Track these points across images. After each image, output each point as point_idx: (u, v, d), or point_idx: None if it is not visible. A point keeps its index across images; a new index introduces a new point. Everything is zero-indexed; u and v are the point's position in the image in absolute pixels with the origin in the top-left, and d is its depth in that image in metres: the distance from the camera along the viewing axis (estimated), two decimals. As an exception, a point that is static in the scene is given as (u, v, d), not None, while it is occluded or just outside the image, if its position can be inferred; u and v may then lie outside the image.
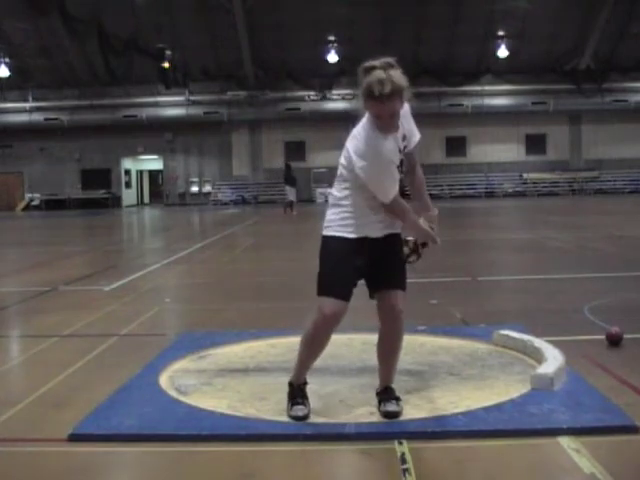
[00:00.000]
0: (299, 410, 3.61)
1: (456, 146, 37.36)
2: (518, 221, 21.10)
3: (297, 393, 3.70)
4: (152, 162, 39.91)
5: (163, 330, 6.14)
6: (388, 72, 3.45)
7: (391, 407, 3.60)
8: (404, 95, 3.48)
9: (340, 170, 3.66)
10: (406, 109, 3.61)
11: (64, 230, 22.94)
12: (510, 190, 36.74)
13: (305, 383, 3.76)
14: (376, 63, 3.50)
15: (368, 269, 3.63)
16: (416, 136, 3.69)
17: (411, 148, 3.67)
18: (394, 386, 3.73)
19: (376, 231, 3.63)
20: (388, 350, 3.72)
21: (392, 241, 3.69)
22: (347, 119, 34.34)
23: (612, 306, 6.43)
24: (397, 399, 3.66)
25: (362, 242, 3.59)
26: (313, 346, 3.69)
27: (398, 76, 3.47)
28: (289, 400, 3.69)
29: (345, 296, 3.57)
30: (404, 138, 3.61)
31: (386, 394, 3.67)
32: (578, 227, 16.52)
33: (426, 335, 5.24)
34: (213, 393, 4.06)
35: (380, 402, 3.66)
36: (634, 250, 11.17)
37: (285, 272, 9.64)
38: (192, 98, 36.52)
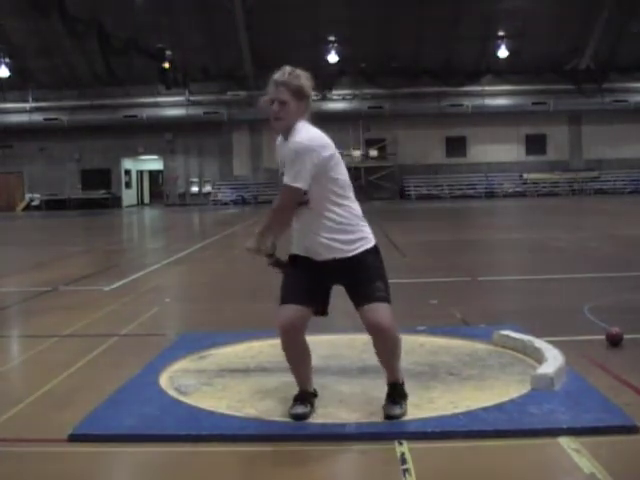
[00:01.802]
0: (299, 408, 3.61)
1: (456, 146, 37.34)
2: (518, 221, 21.10)
3: (300, 396, 3.69)
4: (152, 162, 39.88)
5: (163, 330, 6.14)
6: (295, 70, 3.58)
7: (393, 411, 3.58)
8: (300, 96, 3.54)
9: None
10: (293, 150, 3.49)
11: (64, 230, 22.93)
12: (510, 190, 36.71)
13: (311, 393, 3.73)
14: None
15: (343, 285, 3.65)
16: (285, 176, 3.53)
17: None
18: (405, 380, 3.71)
19: (314, 253, 3.64)
20: (384, 356, 3.66)
21: (352, 264, 3.58)
22: (347, 119, 34.41)
23: (612, 306, 6.43)
24: (402, 398, 3.63)
25: (306, 259, 3.67)
26: (288, 357, 3.70)
27: (301, 76, 3.57)
28: (292, 400, 3.69)
29: (296, 300, 3.57)
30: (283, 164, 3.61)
31: (391, 393, 3.64)
32: (578, 227, 16.52)
33: (426, 335, 5.24)
34: (213, 393, 4.06)
35: (385, 401, 3.64)
36: (634, 250, 11.16)
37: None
38: (192, 98, 36.52)
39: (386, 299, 3.56)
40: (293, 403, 3.66)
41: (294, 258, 3.76)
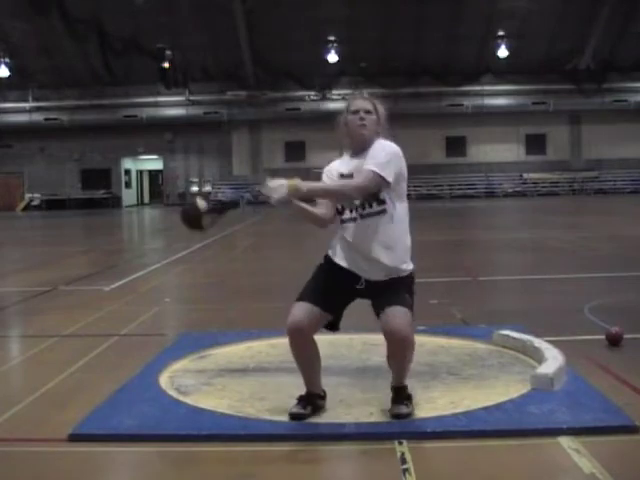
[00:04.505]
0: (295, 408, 3.60)
1: (456, 146, 37.35)
2: (518, 221, 21.10)
3: (303, 397, 3.66)
4: (152, 162, 39.89)
5: (163, 330, 6.14)
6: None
7: (401, 410, 3.56)
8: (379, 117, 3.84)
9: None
10: (385, 149, 3.69)
11: (64, 230, 22.93)
12: (510, 190, 36.72)
13: (317, 394, 3.70)
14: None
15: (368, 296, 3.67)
16: (372, 165, 3.63)
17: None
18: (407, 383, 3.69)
19: (361, 271, 3.64)
20: (397, 362, 3.61)
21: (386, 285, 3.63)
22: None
23: (612, 306, 6.43)
24: (408, 399, 3.62)
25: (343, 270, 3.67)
26: (294, 356, 3.70)
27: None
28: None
29: (311, 299, 3.58)
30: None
31: (397, 395, 3.62)
32: (578, 227, 16.52)
33: (426, 335, 5.23)
34: (213, 393, 4.06)
35: (392, 403, 3.63)
36: (634, 250, 11.16)
37: (285, 272, 9.64)
38: (192, 98, 36.51)
39: (409, 306, 3.58)
40: (296, 403, 3.65)
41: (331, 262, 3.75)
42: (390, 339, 3.50)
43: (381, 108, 3.78)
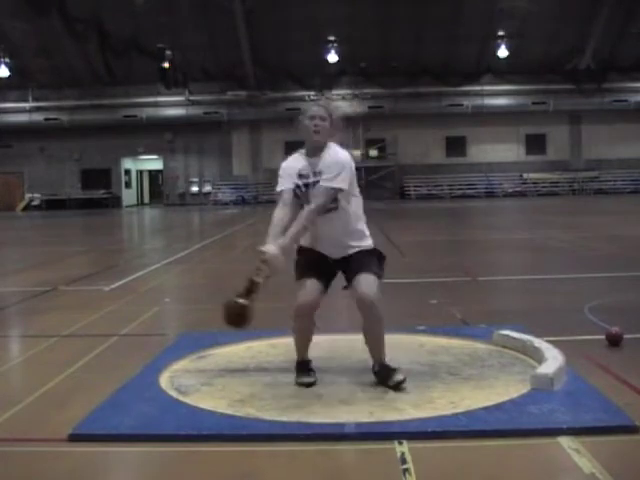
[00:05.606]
0: (305, 377, 4.04)
1: (456, 146, 37.38)
2: (518, 221, 21.10)
3: (303, 366, 4.16)
4: (152, 162, 39.91)
5: (163, 330, 6.14)
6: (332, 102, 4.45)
7: (397, 377, 3.94)
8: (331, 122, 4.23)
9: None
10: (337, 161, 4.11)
11: (64, 230, 22.94)
12: (510, 190, 36.75)
13: (309, 361, 4.20)
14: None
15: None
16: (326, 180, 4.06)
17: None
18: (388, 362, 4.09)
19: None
20: (374, 337, 4.07)
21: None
22: (347, 119, 34.38)
23: (612, 306, 6.43)
24: (395, 369, 4.00)
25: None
26: (298, 327, 4.21)
27: (337, 108, 4.40)
28: (296, 373, 4.16)
29: (315, 275, 4.17)
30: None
31: (385, 371, 4.01)
32: (578, 227, 16.52)
33: (426, 335, 5.24)
34: (213, 393, 4.06)
35: (381, 377, 4.01)
36: (634, 250, 11.16)
37: (285, 272, 9.61)
38: (192, 98, 36.54)
39: (377, 274, 4.05)
40: (298, 374, 4.11)
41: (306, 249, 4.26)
42: (360, 306, 3.98)
43: (336, 115, 4.14)
